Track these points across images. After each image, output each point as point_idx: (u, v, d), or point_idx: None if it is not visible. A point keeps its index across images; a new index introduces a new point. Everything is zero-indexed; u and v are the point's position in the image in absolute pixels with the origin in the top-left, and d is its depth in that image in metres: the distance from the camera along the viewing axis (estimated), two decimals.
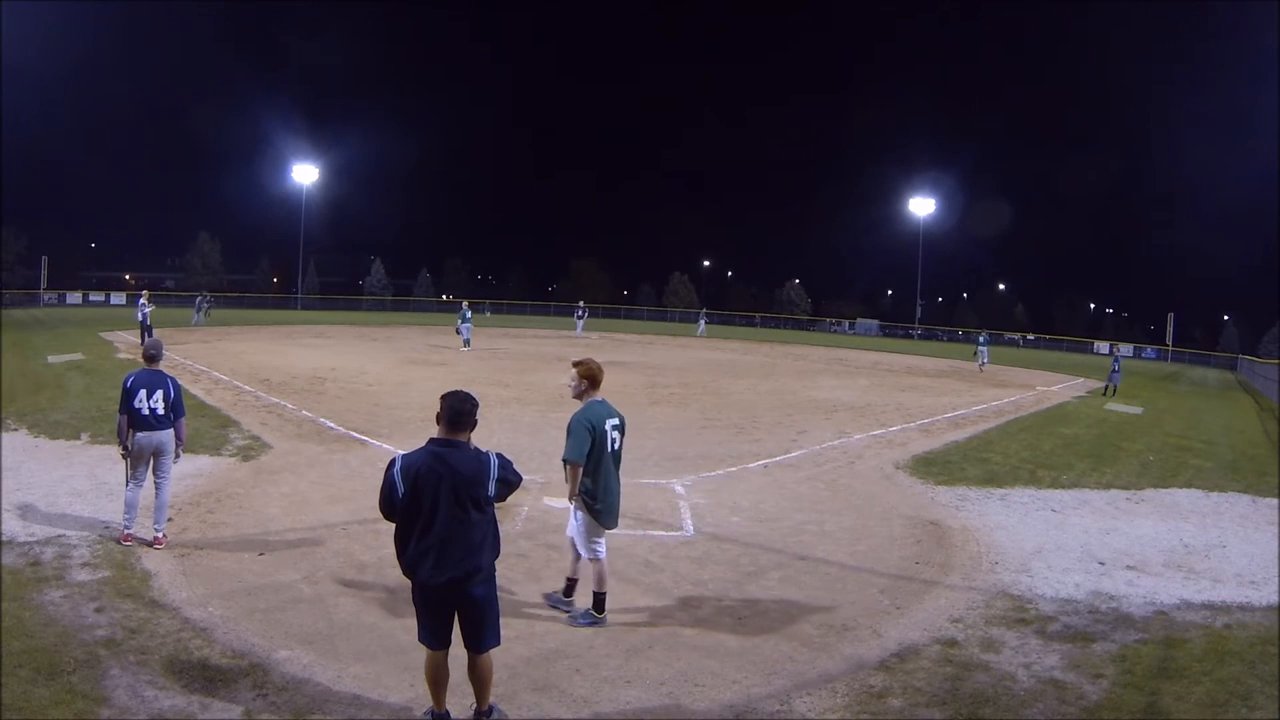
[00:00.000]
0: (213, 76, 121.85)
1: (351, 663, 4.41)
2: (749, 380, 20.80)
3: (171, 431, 6.26)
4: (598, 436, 4.91)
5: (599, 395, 5.09)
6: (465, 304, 29.18)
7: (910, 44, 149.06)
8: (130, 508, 6.20)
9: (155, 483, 6.29)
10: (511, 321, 51.85)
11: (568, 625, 5.03)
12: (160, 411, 6.15)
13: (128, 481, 6.25)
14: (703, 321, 48.24)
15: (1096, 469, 10.78)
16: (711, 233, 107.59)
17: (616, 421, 5.08)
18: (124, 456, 6.27)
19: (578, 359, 5.23)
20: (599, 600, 5.06)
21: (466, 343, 26.19)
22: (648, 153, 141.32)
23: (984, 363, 30.32)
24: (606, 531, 5.10)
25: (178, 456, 6.43)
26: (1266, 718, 4.15)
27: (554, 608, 5.24)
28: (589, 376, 5.05)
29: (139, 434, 6.15)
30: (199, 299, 36.11)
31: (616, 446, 5.07)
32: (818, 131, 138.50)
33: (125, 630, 4.60)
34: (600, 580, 5.06)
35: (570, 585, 5.27)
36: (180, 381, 6.74)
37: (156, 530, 6.16)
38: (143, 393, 6.13)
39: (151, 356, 6.38)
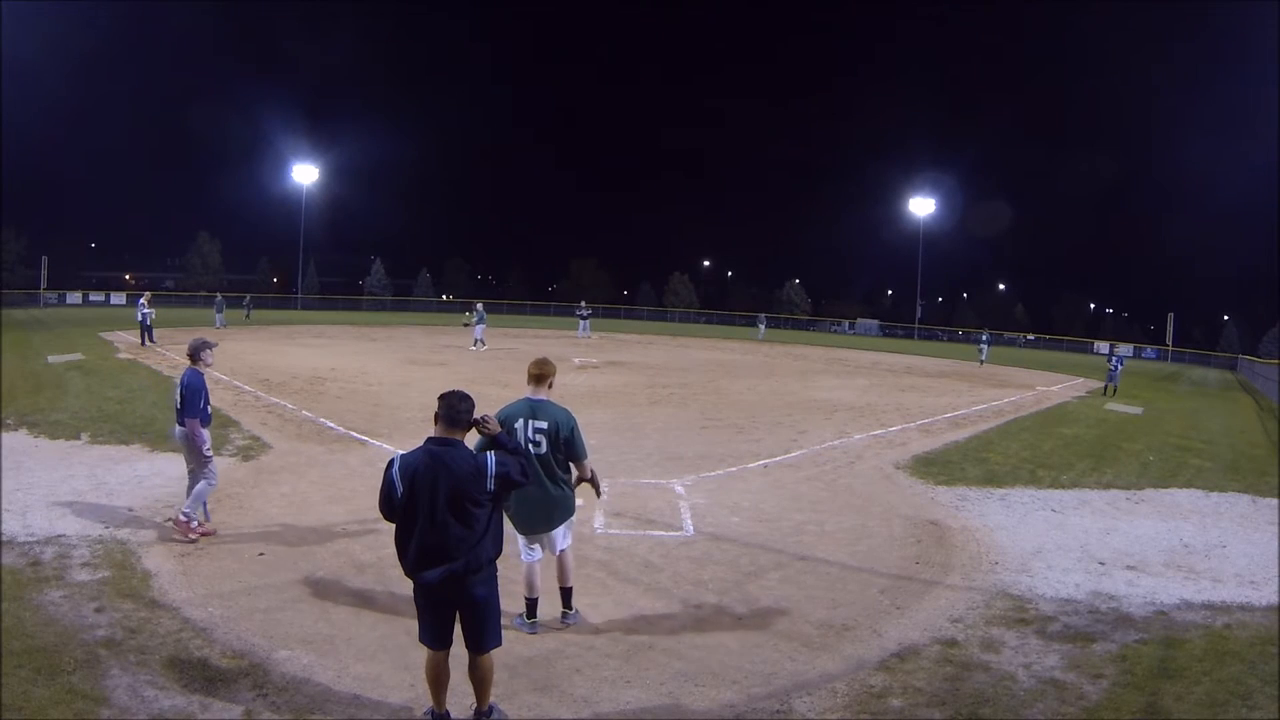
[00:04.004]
0: (213, 76, 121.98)
1: (351, 663, 4.41)
2: (749, 380, 20.78)
3: (180, 429, 6.50)
4: (511, 431, 4.65)
5: (541, 395, 4.83)
6: (479, 305, 28.15)
7: (910, 44, 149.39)
8: (193, 497, 6.49)
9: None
10: (512, 321, 51.82)
11: (560, 629, 5.01)
12: (178, 406, 6.50)
13: None
14: (762, 326, 47.68)
15: (1096, 469, 10.77)
16: (711, 233, 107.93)
17: (544, 425, 4.70)
18: None
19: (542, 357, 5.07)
20: (529, 605, 4.99)
21: (477, 341, 25.81)
22: (648, 153, 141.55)
23: (983, 359, 33.07)
24: (549, 535, 4.93)
25: (207, 458, 6.55)
26: (1266, 718, 4.15)
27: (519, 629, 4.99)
28: (532, 373, 4.88)
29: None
30: (245, 300, 36.13)
31: (540, 450, 4.70)
32: (818, 131, 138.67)
33: (125, 630, 4.61)
34: (528, 585, 4.99)
35: (530, 605, 5.04)
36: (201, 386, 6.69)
37: (180, 514, 6.39)
38: (176, 388, 6.60)
39: (188, 354, 6.75)
